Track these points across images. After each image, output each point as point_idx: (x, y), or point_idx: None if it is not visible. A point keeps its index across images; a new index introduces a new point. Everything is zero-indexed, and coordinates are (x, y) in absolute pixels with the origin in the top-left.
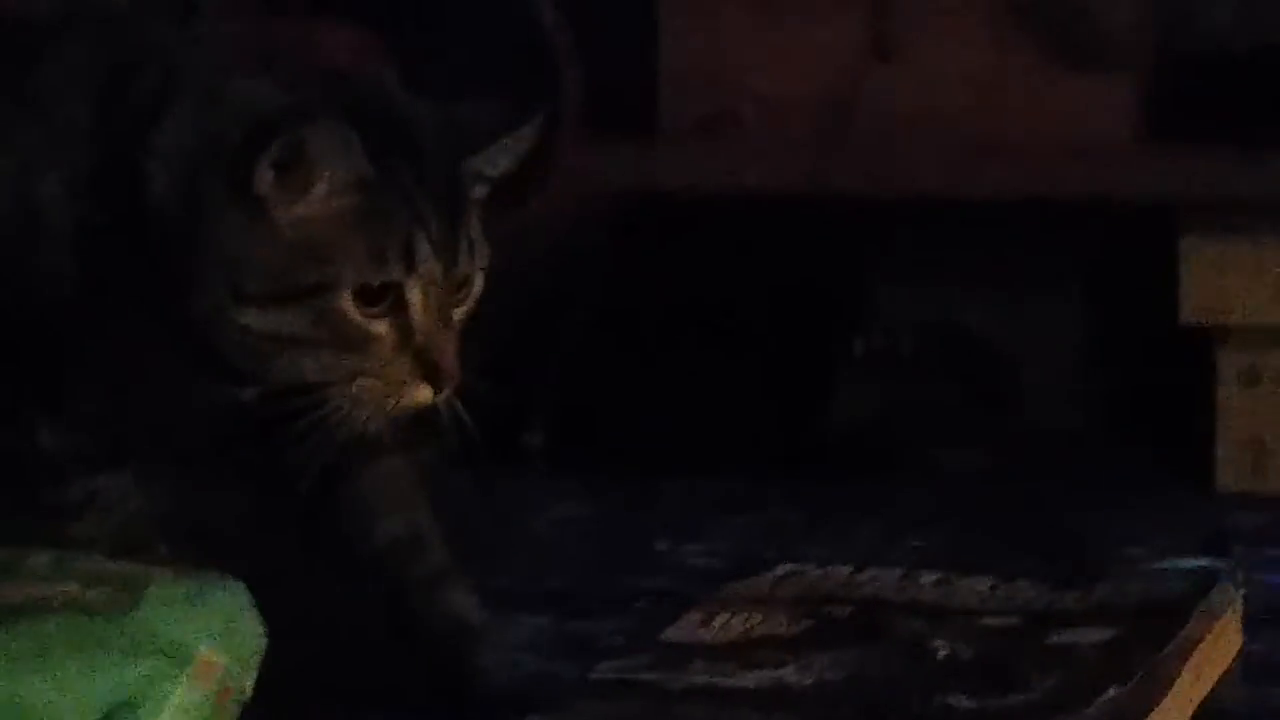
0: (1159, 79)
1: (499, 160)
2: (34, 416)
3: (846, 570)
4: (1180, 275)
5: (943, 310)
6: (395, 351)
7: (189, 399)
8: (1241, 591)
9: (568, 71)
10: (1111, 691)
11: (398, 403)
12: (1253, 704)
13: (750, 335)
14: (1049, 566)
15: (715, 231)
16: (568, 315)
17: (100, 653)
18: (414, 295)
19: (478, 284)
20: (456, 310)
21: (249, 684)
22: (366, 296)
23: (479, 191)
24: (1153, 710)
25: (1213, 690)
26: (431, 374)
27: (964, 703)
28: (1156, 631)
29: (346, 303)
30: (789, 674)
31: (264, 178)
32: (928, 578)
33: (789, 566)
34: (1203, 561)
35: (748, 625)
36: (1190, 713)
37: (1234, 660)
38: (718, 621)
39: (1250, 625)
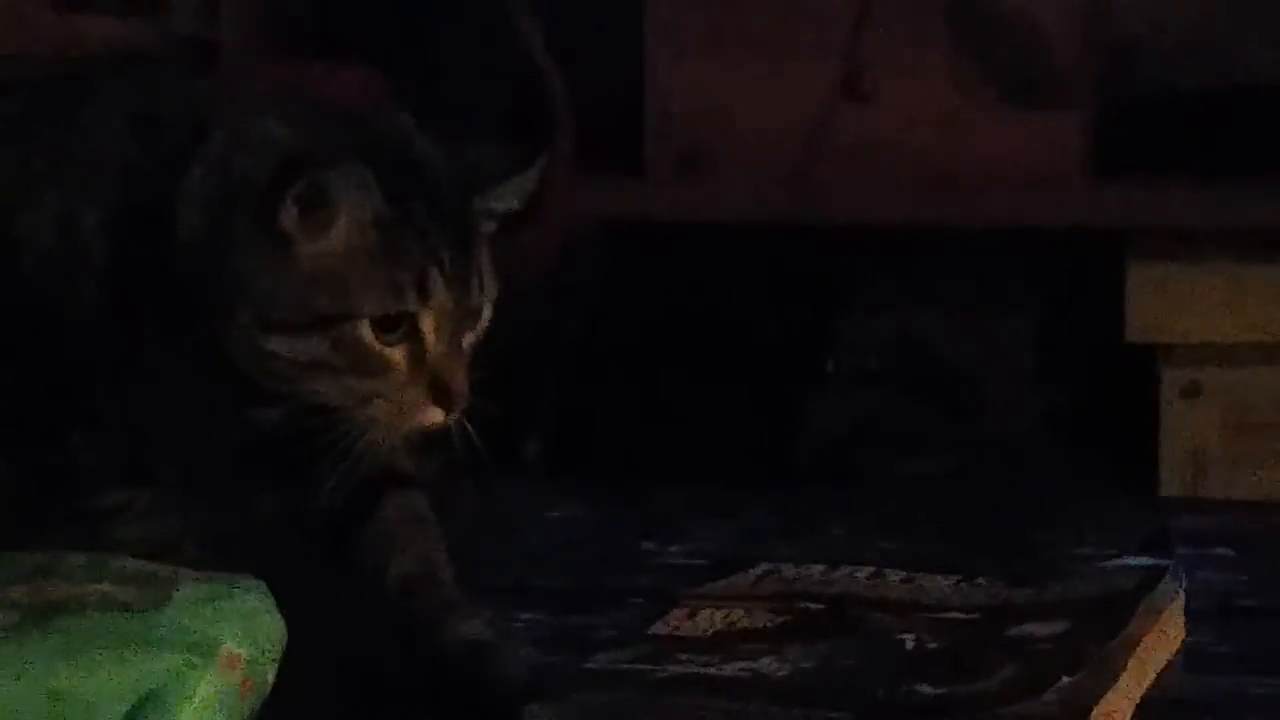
0: (1105, 117)
1: (506, 199)
2: (69, 432)
3: (820, 569)
4: (1125, 297)
5: (907, 330)
6: (410, 376)
7: (215, 419)
8: (1183, 588)
9: (561, 110)
10: (1064, 680)
11: (411, 424)
12: (1194, 692)
13: (731, 354)
14: (1006, 565)
15: (698, 259)
16: (563, 336)
17: (132, 646)
18: (427, 325)
19: (486, 314)
20: (466, 338)
21: (270, 677)
22: (383, 325)
23: (487, 228)
24: (1102, 697)
25: (1157, 678)
26: (443, 398)
27: (928, 690)
28: (1105, 625)
29: (365, 331)
30: (767, 664)
31: (289, 216)
32: (895, 576)
33: (767, 566)
34: (1147, 560)
35: (729, 620)
36: (1137, 699)
37: (1176, 651)
38: (702, 616)
39: (1191, 618)
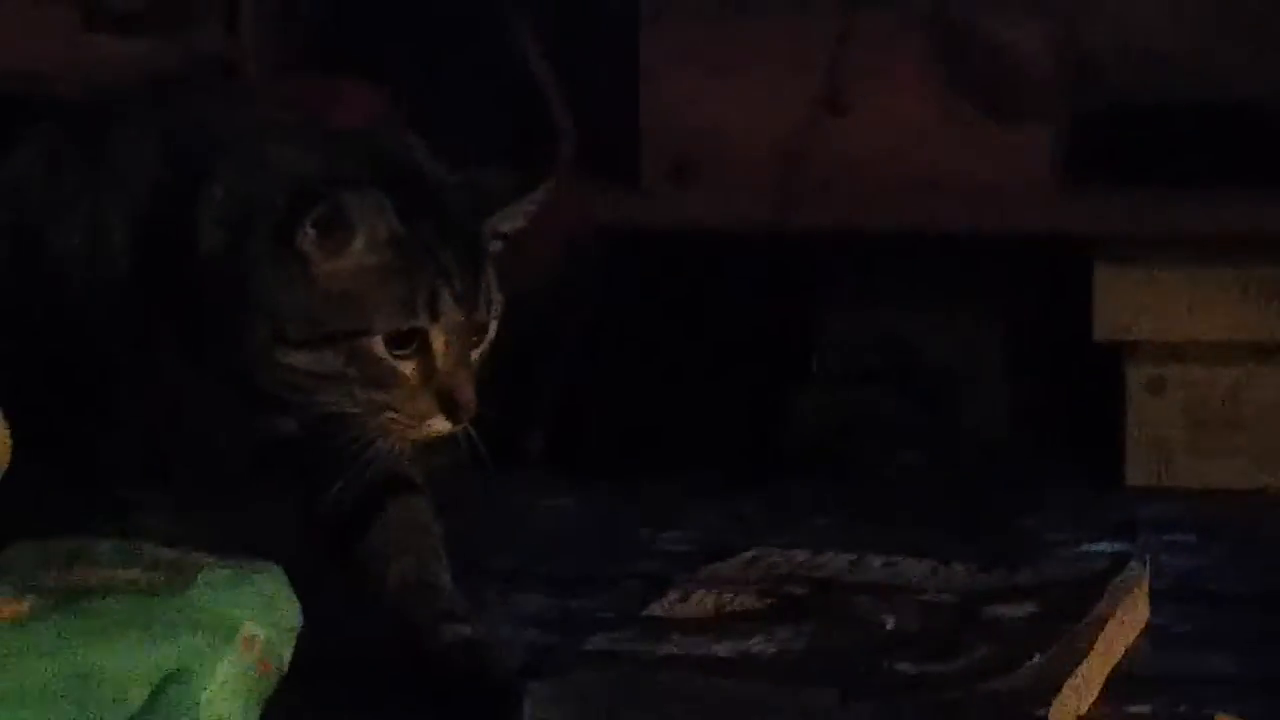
0: (1073, 129)
1: (513, 220)
2: (93, 432)
3: (805, 554)
4: (1093, 299)
5: (888, 331)
6: (420, 388)
7: (229, 426)
8: (1147, 572)
9: (560, 124)
10: (1036, 658)
11: (420, 433)
12: (1159, 668)
13: (721, 352)
14: (980, 551)
15: (690, 263)
16: (563, 336)
17: (157, 627)
18: (437, 340)
19: (492, 329)
20: (474, 352)
21: (287, 656)
22: (396, 341)
23: (494, 247)
24: (1071, 673)
25: (1124, 656)
26: (450, 408)
27: (908, 668)
28: (1074, 606)
29: (378, 346)
30: (756, 644)
31: (306, 237)
32: (876, 561)
33: (756, 551)
34: (1113, 546)
35: (720, 602)
36: (1104, 675)
37: (1142, 631)
38: (694, 599)
39: (1155, 600)
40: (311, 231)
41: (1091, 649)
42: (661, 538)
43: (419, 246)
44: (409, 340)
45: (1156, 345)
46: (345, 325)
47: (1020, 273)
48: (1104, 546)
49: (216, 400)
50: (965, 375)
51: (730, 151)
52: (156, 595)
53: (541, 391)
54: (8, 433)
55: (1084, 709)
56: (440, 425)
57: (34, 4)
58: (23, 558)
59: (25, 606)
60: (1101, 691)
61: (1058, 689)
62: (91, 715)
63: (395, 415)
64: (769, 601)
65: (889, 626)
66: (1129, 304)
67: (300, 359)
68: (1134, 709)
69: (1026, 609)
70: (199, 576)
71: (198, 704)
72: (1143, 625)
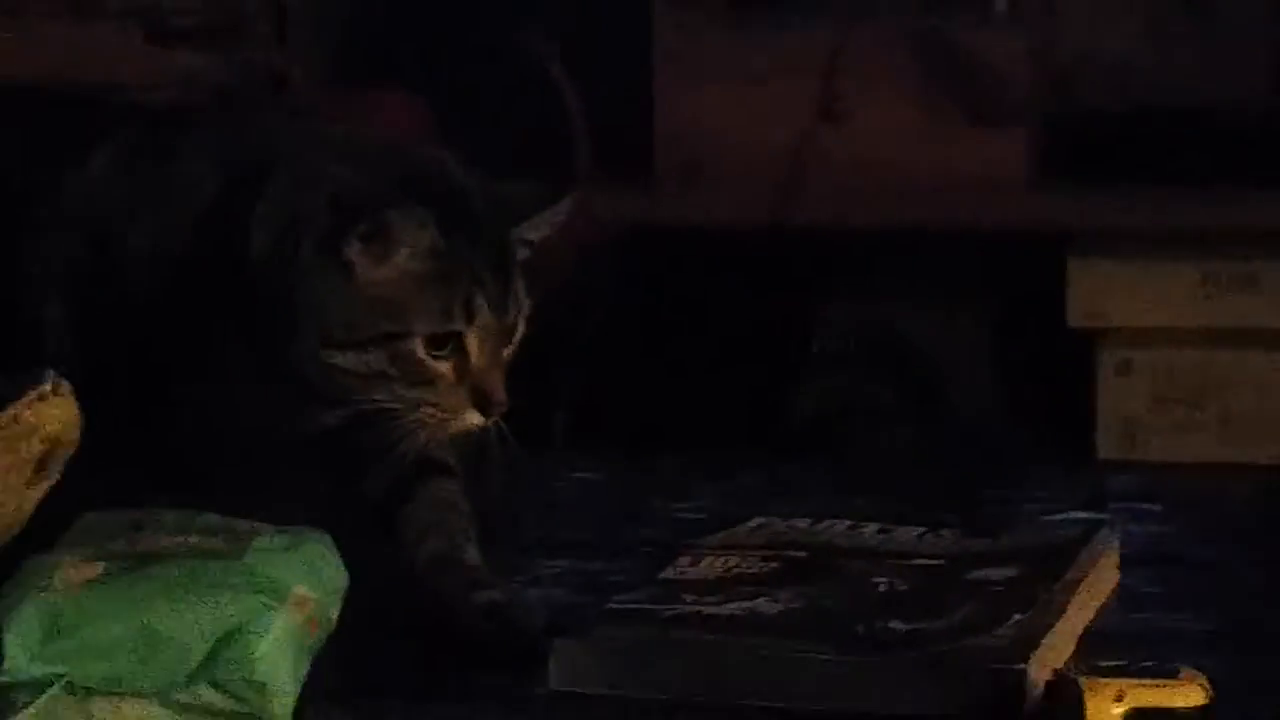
0: (1047, 133)
1: (539, 230)
2: (156, 417)
3: (805, 522)
4: (1066, 288)
5: (879, 319)
6: (455, 386)
7: (280, 417)
8: (1117, 538)
9: (580, 131)
10: (1016, 617)
11: (455, 427)
12: (1127, 627)
13: (728, 340)
14: (965, 519)
15: (698, 259)
16: (585, 325)
17: (216, 590)
18: (472, 342)
19: (520, 330)
20: (504, 352)
21: (333, 616)
22: (434, 342)
23: (522, 255)
24: (1048, 631)
25: (1095, 616)
26: (483, 404)
27: (899, 625)
28: (1051, 570)
29: (418, 348)
30: (760, 604)
31: (352, 248)
32: (870, 528)
33: (760, 520)
34: (1086, 515)
35: (728, 566)
36: (1078, 633)
37: (1112, 592)
38: (704, 563)
39: (1123, 564)
40: (358, 244)
41: (1067, 608)
42: (675, 508)
43: (456, 256)
44: (446, 342)
45: (1125, 331)
46: (387, 328)
47: (999, 265)
48: (1077, 515)
49: (265, 393)
50: (950, 360)
51: (735, 155)
52: (215, 560)
53: (565, 378)
54: (79, 414)
55: (1060, 663)
56: (474, 419)
57: (100, 21)
58: (94, 527)
59: (97, 571)
60: (1076, 647)
61: (1036, 645)
62: (157, 668)
63: (432, 410)
64: (772, 566)
65: (882, 588)
66: (1099, 293)
67: (345, 359)
68: (1105, 663)
69: (1007, 572)
70: (253, 543)
71: (253, 658)
72: (1113, 587)
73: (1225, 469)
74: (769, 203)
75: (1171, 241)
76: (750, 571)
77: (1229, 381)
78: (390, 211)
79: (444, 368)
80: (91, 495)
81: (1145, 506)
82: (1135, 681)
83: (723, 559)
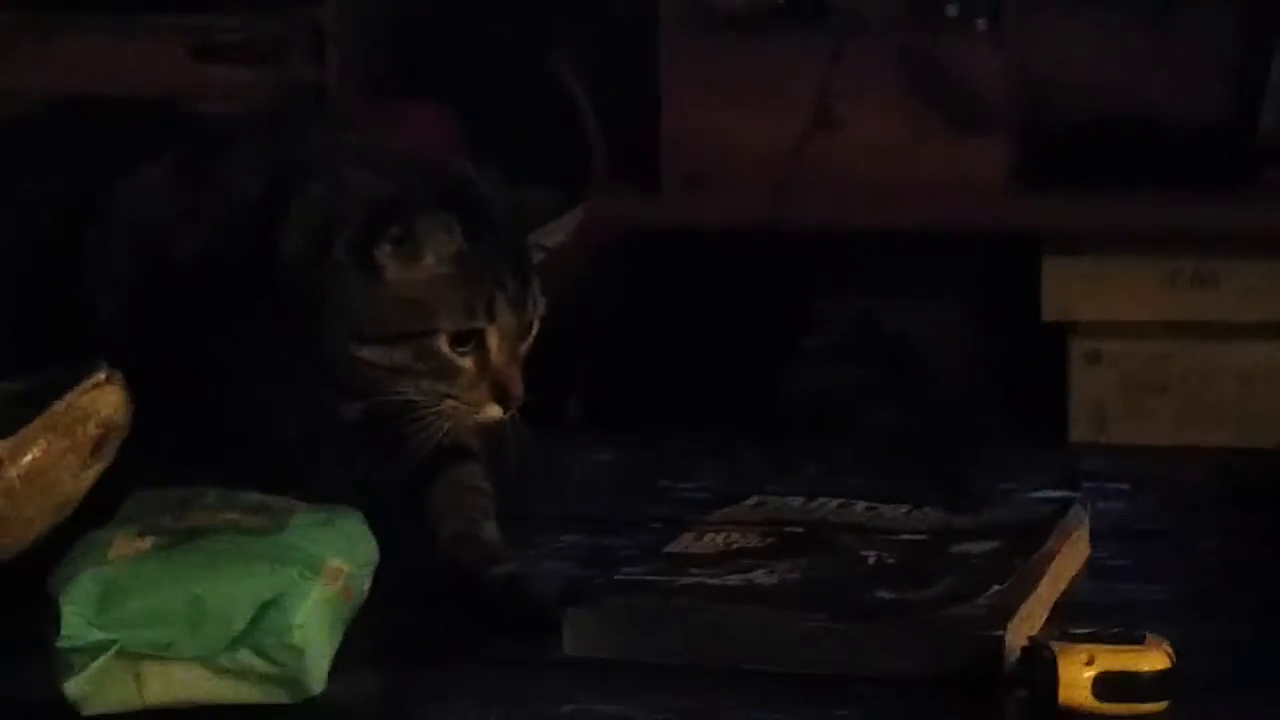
0: (1025, 141)
1: (554, 235)
2: (200, 405)
3: (800, 500)
4: (1041, 284)
5: (868, 313)
6: (476, 380)
7: (311, 407)
8: (1087, 515)
9: (593, 140)
10: (994, 587)
11: (475, 418)
12: (1097, 597)
13: (728, 332)
14: (947, 497)
15: (702, 257)
16: (597, 319)
17: (257, 562)
18: (493, 339)
19: (536, 327)
20: (521, 348)
21: (365, 587)
22: (457, 339)
23: (538, 258)
24: (1024, 601)
25: (1067, 586)
26: (503, 397)
27: (887, 595)
28: (1026, 544)
29: (442, 344)
30: (759, 576)
31: (383, 251)
32: (859, 505)
33: (758, 498)
34: (1059, 493)
35: (728, 541)
36: (1051, 602)
37: (1082, 565)
38: (707, 538)
39: (1094, 539)
40: (388, 247)
41: (1041, 580)
42: (679, 487)
43: (478, 259)
44: (468, 339)
45: (1095, 324)
46: (414, 326)
47: (979, 263)
48: (1051, 494)
49: (297, 383)
50: (933, 350)
51: (735, 162)
52: (256, 535)
53: (578, 367)
54: (130, 402)
55: (1035, 629)
56: (493, 412)
57: (151, 38)
58: (144, 504)
59: (147, 544)
60: (1049, 615)
61: (1013, 613)
62: (202, 634)
63: (455, 403)
64: (769, 540)
65: (871, 561)
66: (1071, 289)
67: (373, 354)
68: (1076, 630)
69: (986, 546)
70: (291, 520)
71: (290, 625)
72: (1084, 560)
73: (1186, 451)
74: (766, 206)
75: (1137, 242)
76: (749, 546)
77: (1190, 371)
78: (420, 218)
79: (466, 363)
80: (142, 476)
81: (1113, 486)
82: (1104, 647)
83: (723, 534)
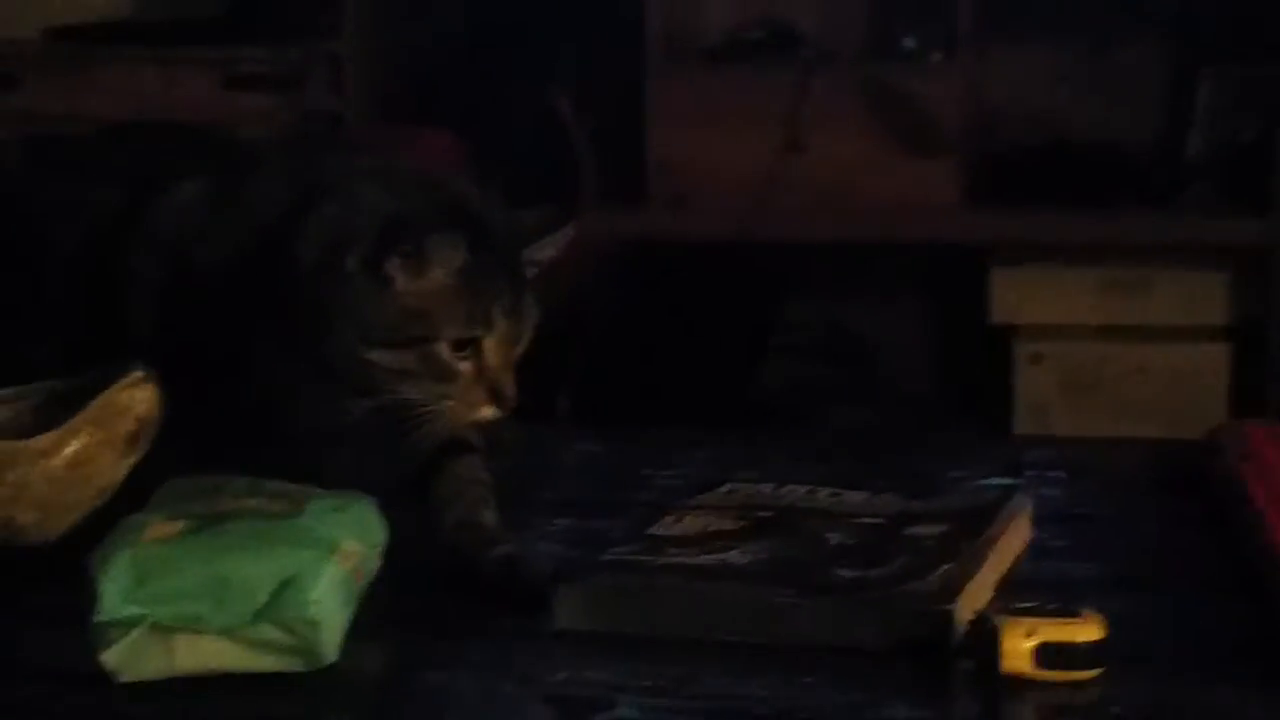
0: (976, 162)
1: (546, 251)
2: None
3: (770, 487)
4: (989, 291)
5: (832, 317)
6: (473, 382)
7: (322, 404)
8: (1029, 501)
9: (585, 162)
10: (944, 567)
11: (472, 418)
12: (1038, 575)
13: (706, 334)
14: (903, 485)
15: (684, 267)
16: (587, 323)
17: (277, 544)
18: (490, 346)
19: (529, 335)
20: (516, 353)
21: (376, 567)
22: (458, 345)
23: (531, 272)
24: (971, 578)
25: (1012, 565)
26: (497, 399)
27: (848, 573)
28: (974, 527)
29: (444, 349)
30: (733, 556)
31: (392, 264)
32: (823, 492)
33: (732, 485)
34: (1004, 481)
35: (705, 524)
36: (996, 580)
37: (1025, 546)
38: (685, 521)
39: (1035, 522)
40: (397, 261)
41: (987, 559)
42: (660, 475)
43: (479, 273)
44: (467, 345)
45: (1037, 327)
46: (418, 332)
47: (933, 272)
48: (996, 481)
49: (310, 381)
50: (891, 351)
51: (714, 182)
52: (277, 519)
53: (570, 365)
54: (162, 398)
55: (981, 605)
56: (488, 412)
57: (187, 69)
58: (174, 491)
59: (178, 528)
60: (994, 591)
61: (961, 590)
62: (228, 609)
63: (453, 404)
64: (742, 523)
65: (833, 542)
66: (1016, 296)
67: (380, 356)
68: (1018, 605)
69: (938, 529)
70: (309, 505)
71: (307, 602)
72: (1026, 541)
73: (1119, 442)
74: (742, 221)
75: (1076, 253)
76: (724, 528)
77: (1122, 370)
78: (429, 235)
79: (465, 367)
80: (173, 466)
81: (1053, 474)
82: (1043, 620)
83: (701, 518)
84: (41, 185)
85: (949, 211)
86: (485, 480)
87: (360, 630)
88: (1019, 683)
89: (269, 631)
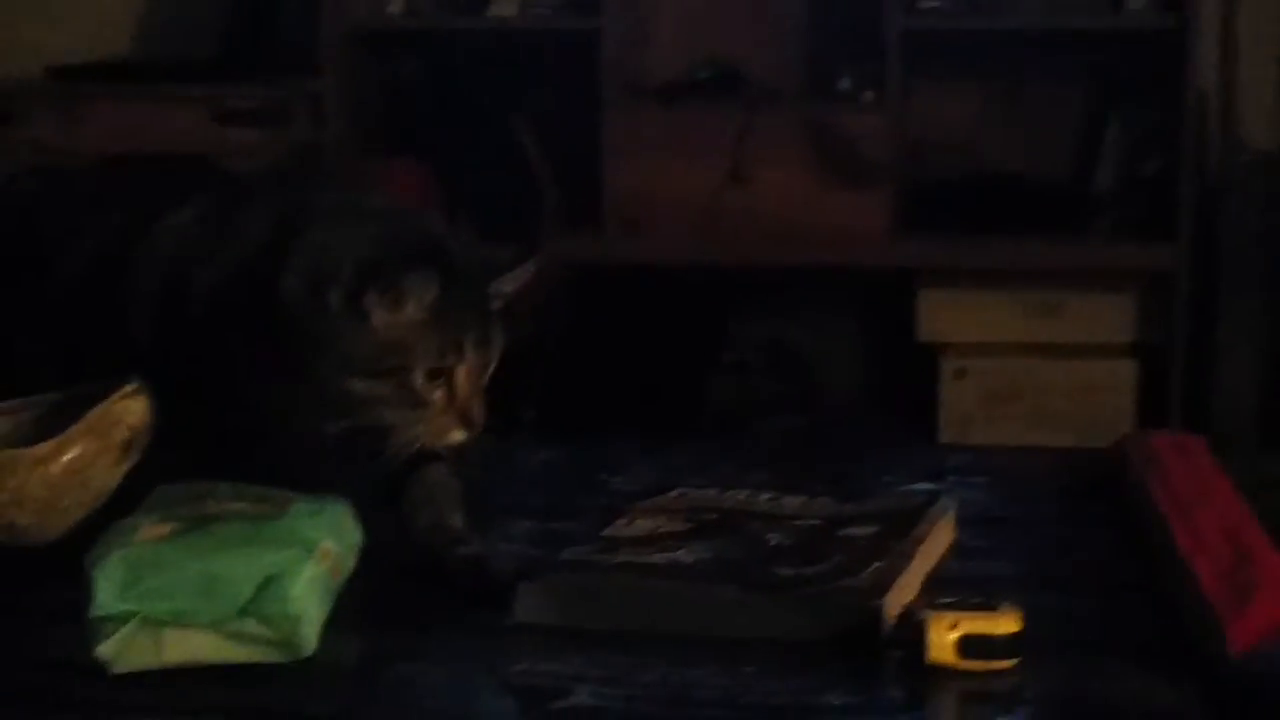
0: (905, 193)
1: (512, 284)
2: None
3: (715, 491)
4: (917, 312)
5: (774, 334)
6: (445, 409)
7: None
8: (953, 504)
9: (546, 191)
10: (875, 565)
11: (442, 441)
12: (961, 573)
13: (658, 351)
14: (837, 489)
15: (638, 289)
16: (549, 340)
17: (260, 544)
18: (460, 375)
19: (494, 363)
20: (484, 379)
21: (352, 566)
22: (430, 375)
23: (497, 305)
24: (899, 575)
25: (937, 563)
26: (467, 423)
27: (786, 571)
28: (903, 528)
29: (418, 379)
30: (681, 555)
31: (370, 299)
32: (764, 495)
33: (681, 490)
34: (929, 486)
35: (656, 525)
36: (923, 577)
37: (949, 546)
38: (637, 523)
39: (958, 524)
40: (376, 296)
41: (914, 558)
42: (615, 480)
43: (451, 307)
44: (439, 375)
45: (961, 345)
46: (394, 362)
47: (866, 293)
48: (923, 486)
49: (292, 403)
50: (827, 366)
51: (665, 210)
52: (260, 521)
53: (533, 380)
54: (153, 410)
55: (909, 600)
56: (458, 436)
57: (180, 105)
58: (165, 496)
59: (168, 530)
60: (921, 588)
61: (890, 586)
62: (215, 604)
63: (424, 428)
64: (690, 525)
65: (773, 543)
66: (942, 316)
67: (357, 385)
68: (943, 600)
69: (869, 530)
70: (290, 508)
71: (288, 597)
72: (950, 542)
73: (1035, 450)
74: (691, 246)
75: (997, 276)
76: (673, 530)
77: (1039, 384)
78: (405, 274)
79: (437, 394)
80: (164, 472)
81: (975, 479)
82: (965, 614)
83: (652, 520)
84: (50, 212)
85: (880, 238)
86: (454, 486)
87: (337, 624)
88: (943, 671)
89: (253, 625)
